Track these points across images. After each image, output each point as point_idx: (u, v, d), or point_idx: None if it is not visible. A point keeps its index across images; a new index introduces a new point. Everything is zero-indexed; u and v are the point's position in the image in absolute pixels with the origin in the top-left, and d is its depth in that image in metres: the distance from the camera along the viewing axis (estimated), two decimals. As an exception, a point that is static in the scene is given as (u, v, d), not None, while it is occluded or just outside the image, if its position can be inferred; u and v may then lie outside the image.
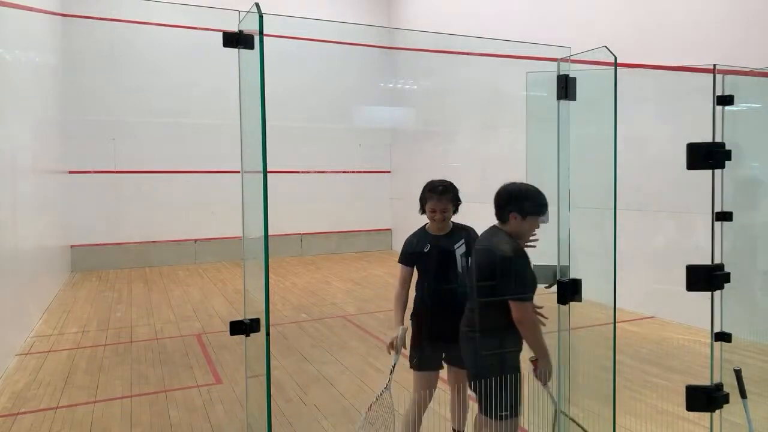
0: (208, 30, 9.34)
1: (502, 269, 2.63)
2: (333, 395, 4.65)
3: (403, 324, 3.19)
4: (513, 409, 2.65)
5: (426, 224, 3.32)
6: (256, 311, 2.30)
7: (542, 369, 2.70)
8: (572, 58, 2.66)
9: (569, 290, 2.75)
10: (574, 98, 2.69)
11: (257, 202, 2.13)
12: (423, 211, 3.30)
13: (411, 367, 3.32)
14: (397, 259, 3.33)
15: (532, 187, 2.75)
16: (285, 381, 4.95)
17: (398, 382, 3.28)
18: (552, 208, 2.84)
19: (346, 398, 4.57)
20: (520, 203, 2.67)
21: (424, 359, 3.28)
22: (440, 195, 3.19)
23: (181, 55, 12.00)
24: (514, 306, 2.58)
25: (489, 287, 2.65)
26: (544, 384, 2.73)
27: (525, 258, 2.69)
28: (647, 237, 7.04)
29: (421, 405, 3.30)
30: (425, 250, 3.21)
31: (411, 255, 3.26)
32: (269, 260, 2.18)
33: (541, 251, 3.02)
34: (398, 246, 14.00)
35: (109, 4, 11.12)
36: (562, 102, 2.70)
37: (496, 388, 2.61)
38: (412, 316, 3.32)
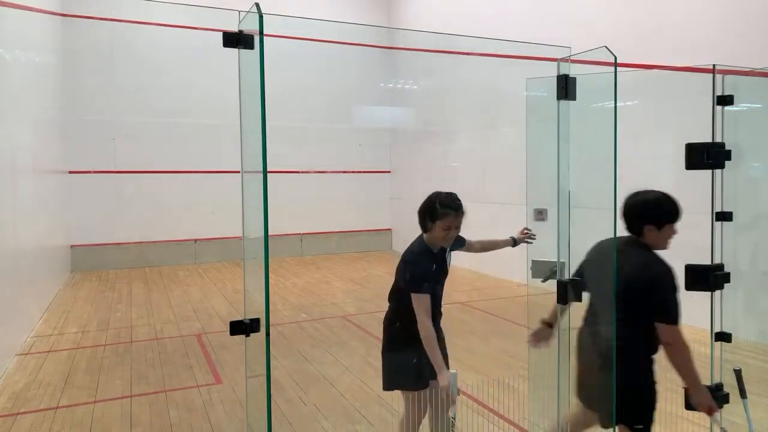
0: (208, 30, 9.34)
1: (652, 289, 2.52)
2: (333, 395, 4.65)
3: (448, 367, 2.83)
4: (647, 423, 2.64)
5: (421, 237, 3.01)
6: (256, 311, 2.30)
7: (696, 399, 2.57)
8: (572, 58, 2.65)
9: (569, 290, 2.75)
10: (574, 98, 2.69)
11: (257, 202, 2.13)
12: (427, 228, 2.94)
13: (415, 387, 2.97)
14: (409, 284, 2.89)
15: (661, 193, 2.66)
16: (285, 381, 4.95)
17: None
18: (552, 208, 2.84)
19: (346, 398, 4.57)
20: (654, 213, 2.60)
21: (426, 373, 2.93)
22: (457, 211, 2.91)
23: (181, 55, 12.00)
24: (664, 329, 2.47)
25: (634, 307, 2.54)
26: (709, 414, 2.61)
27: (672, 276, 2.56)
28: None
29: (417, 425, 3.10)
30: (433, 269, 2.97)
31: (429, 279, 2.91)
32: (269, 260, 2.18)
33: (541, 251, 3.02)
34: (398, 246, 14.03)
35: (109, 4, 11.12)
36: (562, 102, 2.70)
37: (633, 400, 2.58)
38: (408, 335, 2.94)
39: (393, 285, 3.09)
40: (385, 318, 3.13)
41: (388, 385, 3.07)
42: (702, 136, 2.59)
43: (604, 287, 2.67)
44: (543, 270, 2.90)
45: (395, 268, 3.06)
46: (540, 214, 3.07)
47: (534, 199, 3.10)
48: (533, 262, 2.98)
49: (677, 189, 7.38)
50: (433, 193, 2.98)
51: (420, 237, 3.03)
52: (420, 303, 2.84)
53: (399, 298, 2.99)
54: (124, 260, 11.74)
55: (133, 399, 4.65)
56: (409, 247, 3.03)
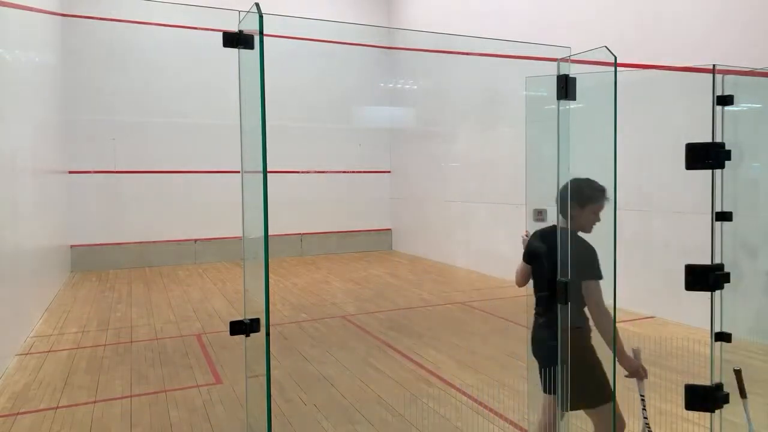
0: (208, 30, 9.35)
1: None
2: (333, 395, 4.65)
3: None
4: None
5: (557, 225, 2.85)
6: (256, 311, 2.31)
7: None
8: (572, 58, 2.65)
9: (569, 290, 2.75)
10: (574, 98, 2.69)
11: (257, 202, 2.14)
12: (571, 214, 2.78)
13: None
14: (593, 273, 2.70)
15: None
16: (285, 381, 4.95)
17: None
18: (551, 208, 2.84)
19: (346, 398, 4.57)
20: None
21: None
22: (605, 195, 2.81)
23: (181, 55, 12.00)
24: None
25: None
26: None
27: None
28: (647, 237, 7.04)
29: None
30: None
31: None
32: (269, 260, 2.18)
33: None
34: (399, 246, 14.06)
35: (109, 4, 11.12)
36: (562, 102, 2.70)
37: None
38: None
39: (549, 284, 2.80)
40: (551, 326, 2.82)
41: (588, 401, 2.76)
42: (702, 136, 2.59)
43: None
44: None
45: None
46: (539, 215, 3.04)
47: (533, 199, 3.09)
48: None
49: (677, 189, 7.42)
50: (574, 180, 2.83)
51: (559, 225, 2.85)
52: (600, 290, 2.69)
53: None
54: (124, 260, 11.74)
55: (133, 399, 4.65)
56: (575, 237, 2.80)
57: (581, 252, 2.72)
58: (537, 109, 3.04)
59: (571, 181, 2.80)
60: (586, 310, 2.74)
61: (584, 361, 2.76)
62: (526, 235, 3.24)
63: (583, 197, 2.81)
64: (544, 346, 2.89)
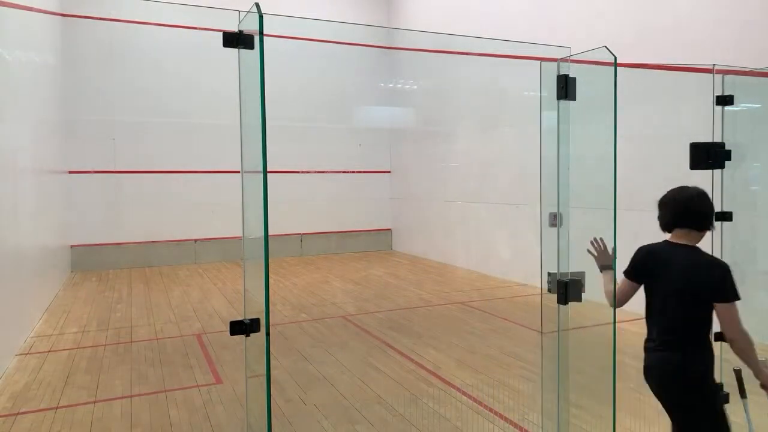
0: (208, 30, 9.33)
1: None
2: (333, 395, 4.65)
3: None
4: None
5: (677, 238, 2.73)
6: (256, 311, 2.31)
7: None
8: (572, 58, 2.65)
9: (569, 290, 2.75)
10: (573, 98, 2.69)
11: (257, 202, 2.14)
12: (710, 227, 2.66)
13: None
14: (733, 294, 2.47)
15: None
16: (285, 381, 4.95)
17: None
18: (552, 209, 2.84)
19: (346, 398, 4.57)
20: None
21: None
22: None
23: (182, 55, 12.00)
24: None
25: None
26: None
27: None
28: (647, 237, 7.03)
29: None
30: None
31: None
32: (269, 260, 2.18)
33: (552, 257, 2.95)
34: (399, 246, 14.06)
35: (109, 4, 11.12)
36: (562, 102, 2.70)
37: None
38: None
39: (685, 305, 2.55)
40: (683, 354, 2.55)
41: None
42: (701, 136, 2.59)
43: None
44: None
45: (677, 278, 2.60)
46: (554, 219, 2.86)
47: (548, 201, 2.98)
48: (549, 274, 2.85)
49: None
50: (700, 191, 2.69)
51: (691, 241, 2.68)
52: (737, 311, 2.49)
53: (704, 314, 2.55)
54: (124, 260, 11.74)
55: (133, 399, 4.65)
56: (703, 253, 2.62)
57: (721, 272, 2.49)
58: (546, 107, 2.96)
59: (700, 193, 2.63)
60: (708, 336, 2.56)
61: (711, 408, 2.52)
62: (597, 241, 2.86)
63: (712, 211, 2.65)
64: (694, 389, 2.53)
